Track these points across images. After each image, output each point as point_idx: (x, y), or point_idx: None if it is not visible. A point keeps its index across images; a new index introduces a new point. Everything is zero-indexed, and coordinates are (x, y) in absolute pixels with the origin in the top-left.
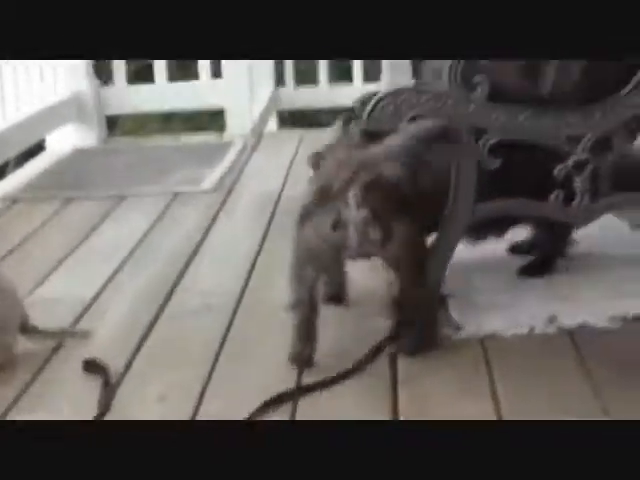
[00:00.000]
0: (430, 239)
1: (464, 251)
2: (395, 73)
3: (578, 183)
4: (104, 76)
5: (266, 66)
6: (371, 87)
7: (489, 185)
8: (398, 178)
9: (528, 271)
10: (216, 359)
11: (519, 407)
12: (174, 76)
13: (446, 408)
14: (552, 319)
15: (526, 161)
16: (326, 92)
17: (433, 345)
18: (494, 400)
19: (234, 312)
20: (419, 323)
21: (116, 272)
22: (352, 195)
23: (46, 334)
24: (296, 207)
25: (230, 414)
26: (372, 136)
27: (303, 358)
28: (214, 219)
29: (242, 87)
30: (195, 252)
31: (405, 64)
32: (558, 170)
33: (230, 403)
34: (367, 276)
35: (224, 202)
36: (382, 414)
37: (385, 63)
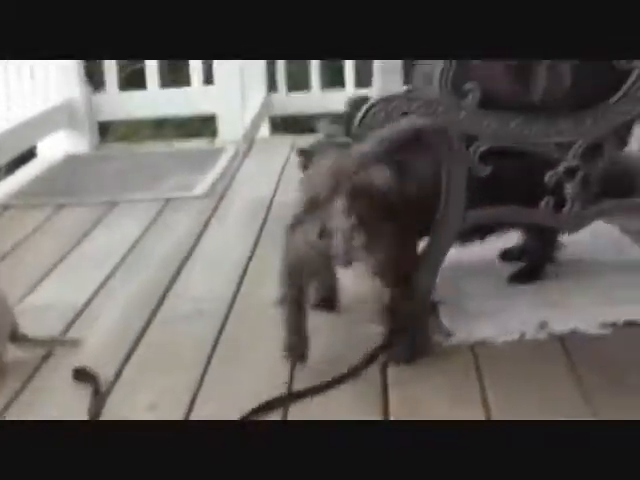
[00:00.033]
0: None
1: (455, 257)
2: (386, 79)
3: (569, 190)
4: (96, 83)
5: (258, 72)
6: (363, 92)
7: (480, 191)
8: (383, 184)
9: (518, 278)
10: (207, 364)
11: (510, 413)
12: (166, 82)
13: (437, 414)
14: (543, 325)
15: (517, 167)
16: (318, 98)
17: (424, 352)
18: (485, 407)
19: (226, 317)
20: (411, 331)
21: (108, 278)
22: (336, 203)
23: (36, 342)
24: (288, 213)
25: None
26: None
27: (297, 352)
28: (206, 225)
29: (234, 93)
30: (187, 258)
31: (397, 70)
32: (549, 177)
33: (222, 409)
34: (359, 282)
35: (216, 208)
36: (373, 419)
37: (376, 69)
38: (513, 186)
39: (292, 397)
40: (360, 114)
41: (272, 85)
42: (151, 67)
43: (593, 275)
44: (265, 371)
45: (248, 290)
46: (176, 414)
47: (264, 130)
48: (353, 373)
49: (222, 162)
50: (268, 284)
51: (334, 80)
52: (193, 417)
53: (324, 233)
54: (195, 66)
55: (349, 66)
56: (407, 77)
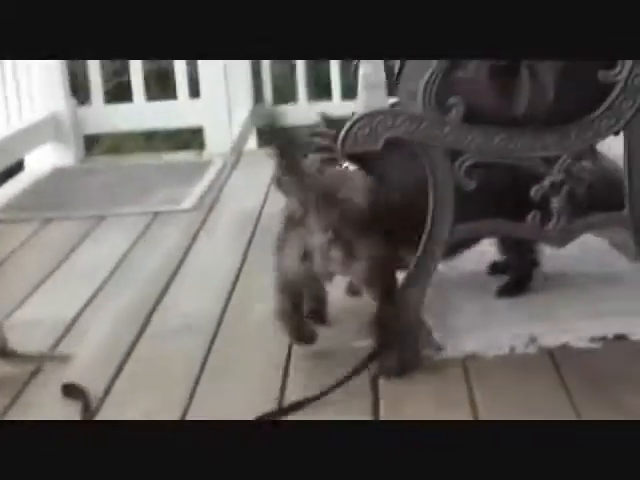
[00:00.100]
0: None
1: (444, 272)
2: (370, 93)
3: (555, 204)
4: (81, 96)
5: (244, 84)
6: (350, 104)
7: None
8: (357, 196)
9: (504, 292)
10: (198, 379)
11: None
12: (152, 95)
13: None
14: (532, 339)
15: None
16: (305, 109)
17: (415, 366)
18: (474, 417)
19: (215, 331)
20: (400, 345)
21: (96, 293)
22: (312, 221)
23: (25, 358)
24: (276, 225)
25: None
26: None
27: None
28: (194, 238)
29: (220, 106)
30: (176, 271)
31: (381, 85)
32: (535, 191)
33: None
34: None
35: (204, 221)
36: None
37: (361, 83)
38: (500, 199)
39: (283, 412)
40: (345, 129)
41: (258, 97)
42: (137, 80)
43: (582, 288)
44: (256, 385)
45: (238, 303)
46: None
47: (252, 142)
48: (342, 384)
49: (210, 175)
50: (258, 297)
51: (321, 92)
52: None
53: (305, 251)
54: (181, 79)
55: (336, 78)
56: (391, 92)
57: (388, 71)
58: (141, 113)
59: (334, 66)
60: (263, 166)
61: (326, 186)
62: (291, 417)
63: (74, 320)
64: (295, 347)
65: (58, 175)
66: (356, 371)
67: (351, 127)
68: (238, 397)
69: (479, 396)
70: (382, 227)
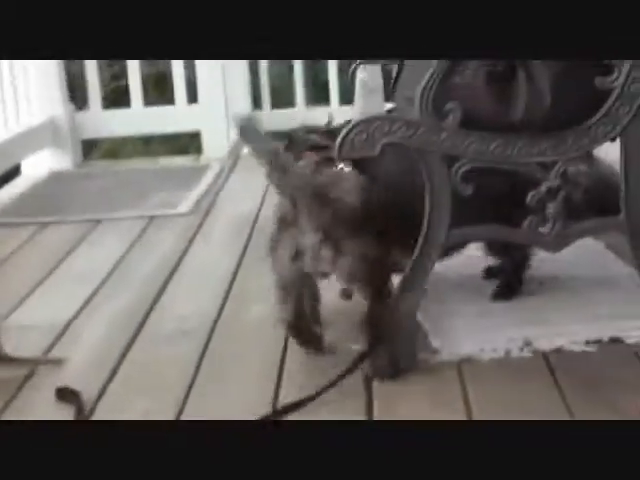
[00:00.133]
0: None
1: (440, 274)
2: (367, 99)
3: (551, 209)
4: (79, 101)
5: (242, 89)
6: (348, 109)
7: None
8: (347, 196)
9: (497, 295)
10: (192, 382)
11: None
12: (150, 101)
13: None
14: (527, 343)
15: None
16: (303, 114)
17: (410, 369)
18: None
19: (211, 335)
20: (393, 346)
21: (92, 297)
22: (304, 221)
23: (19, 361)
24: (271, 228)
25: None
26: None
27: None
28: (191, 242)
29: (218, 110)
30: (172, 275)
31: (378, 90)
32: (531, 196)
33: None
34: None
35: (201, 225)
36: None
37: (358, 88)
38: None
39: (277, 414)
40: (342, 135)
41: (256, 102)
42: (135, 85)
43: (578, 291)
44: (250, 388)
45: (233, 307)
46: None
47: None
48: (335, 384)
49: (207, 179)
50: (254, 300)
51: (319, 97)
52: None
53: (297, 251)
54: (179, 83)
55: (333, 83)
56: (388, 98)
57: (385, 77)
58: (139, 118)
59: (332, 71)
60: (260, 171)
61: (318, 186)
62: (285, 418)
63: (69, 324)
64: (290, 349)
65: (55, 179)
66: (348, 370)
67: (348, 133)
68: (233, 399)
69: (473, 397)
70: (374, 227)
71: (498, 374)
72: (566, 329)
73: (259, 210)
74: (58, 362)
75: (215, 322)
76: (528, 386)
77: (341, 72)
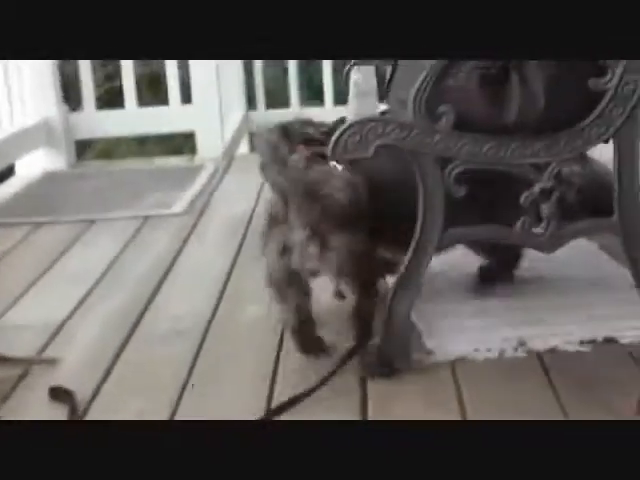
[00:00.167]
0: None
1: (434, 275)
2: (361, 101)
3: (545, 210)
4: (73, 102)
5: (236, 89)
6: (342, 110)
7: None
8: (340, 195)
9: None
10: (186, 383)
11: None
12: (144, 101)
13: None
14: (522, 343)
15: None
16: (297, 115)
17: (404, 369)
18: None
19: (205, 335)
20: (384, 344)
21: (86, 297)
22: (293, 217)
23: (13, 361)
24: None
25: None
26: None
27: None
28: (185, 242)
29: (212, 111)
30: (166, 275)
31: (372, 92)
32: (524, 197)
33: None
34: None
35: (195, 225)
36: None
37: (352, 90)
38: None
39: (271, 414)
40: (335, 136)
41: (251, 102)
42: (129, 85)
43: (572, 292)
44: (244, 388)
45: (228, 307)
46: None
47: (243, 147)
48: (326, 380)
49: (201, 179)
50: (248, 300)
51: (313, 97)
52: None
53: (284, 247)
54: (173, 84)
55: (328, 83)
56: (382, 100)
57: (379, 78)
58: (133, 118)
59: (327, 72)
60: (254, 171)
61: (309, 183)
62: (279, 417)
63: (63, 324)
64: (284, 348)
65: (49, 180)
66: (338, 366)
67: (341, 134)
68: (228, 399)
69: (468, 397)
70: (363, 224)
71: (492, 374)
72: (560, 329)
73: (253, 210)
74: (52, 362)
75: (209, 322)
76: (522, 386)
77: (335, 73)
